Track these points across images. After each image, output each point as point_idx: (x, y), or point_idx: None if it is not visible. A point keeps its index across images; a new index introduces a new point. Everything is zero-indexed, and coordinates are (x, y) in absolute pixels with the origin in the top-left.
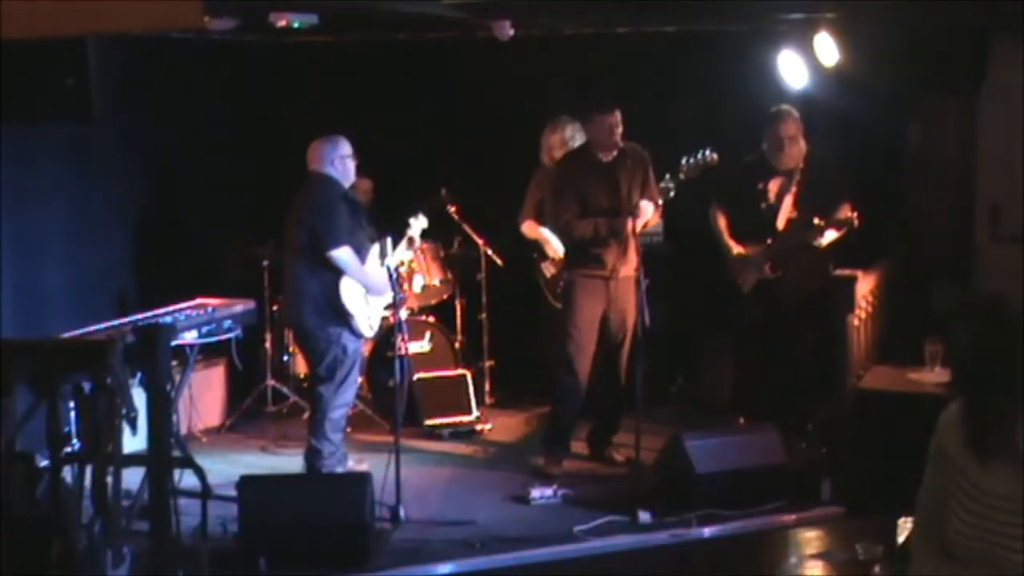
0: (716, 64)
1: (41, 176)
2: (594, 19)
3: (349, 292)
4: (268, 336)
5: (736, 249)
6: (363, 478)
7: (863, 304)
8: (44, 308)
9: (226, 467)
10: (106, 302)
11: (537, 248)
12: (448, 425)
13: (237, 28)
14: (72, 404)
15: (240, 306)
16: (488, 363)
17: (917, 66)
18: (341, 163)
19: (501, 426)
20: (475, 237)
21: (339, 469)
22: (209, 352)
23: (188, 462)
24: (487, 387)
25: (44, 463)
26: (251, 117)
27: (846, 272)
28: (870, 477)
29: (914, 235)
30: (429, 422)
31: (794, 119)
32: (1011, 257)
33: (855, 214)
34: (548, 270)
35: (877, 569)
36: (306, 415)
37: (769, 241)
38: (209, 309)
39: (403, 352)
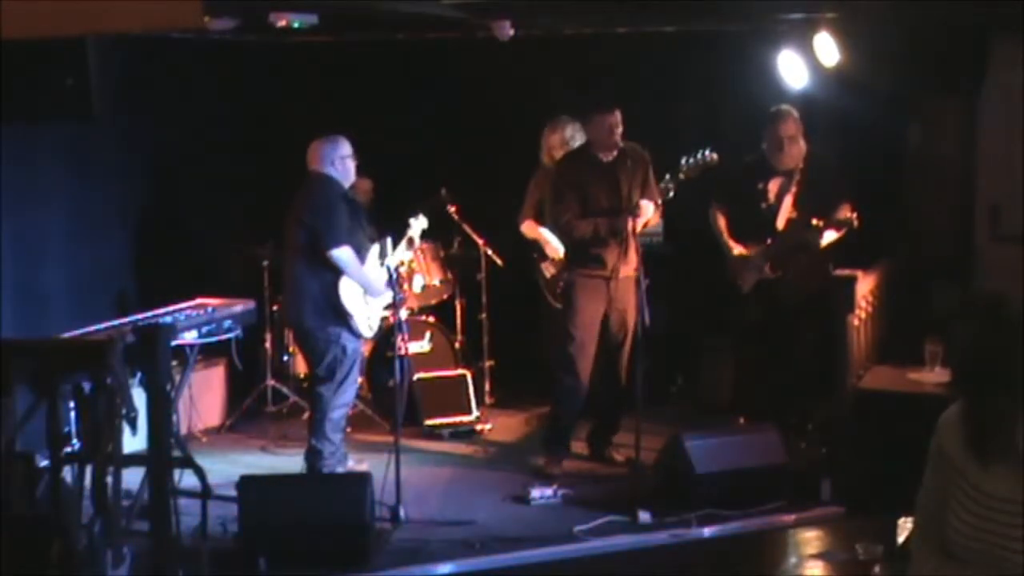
0: (716, 64)
1: (41, 176)
2: (594, 19)
3: (348, 292)
4: (268, 336)
5: (736, 249)
6: (363, 478)
7: (863, 304)
8: (44, 308)
9: (226, 467)
10: (106, 302)
11: (537, 248)
12: (448, 425)
13: (237, 28)
14: (72, 404)
15: (240, 306)
16: (488, 363)
17: (917, 66)
18: (341, 163)
19: (501, 426)
20: (475, 237)
21: (339, 469)
22: (209, 352)
23: (188, 462)
24: (487, 387)
25: (44, 463)
26: (251, 117)
27: (846, 272)
28: (870, 477)
29: (914, 235)
30: (429, 422)
31: (794, 119)
32: (1011, 257)
33: (855, 214)
34: (548, 270)
35: (877, 569)
36: (306, 415)
37: (769, 241)
38: (209, 309)
39: (403, 352)
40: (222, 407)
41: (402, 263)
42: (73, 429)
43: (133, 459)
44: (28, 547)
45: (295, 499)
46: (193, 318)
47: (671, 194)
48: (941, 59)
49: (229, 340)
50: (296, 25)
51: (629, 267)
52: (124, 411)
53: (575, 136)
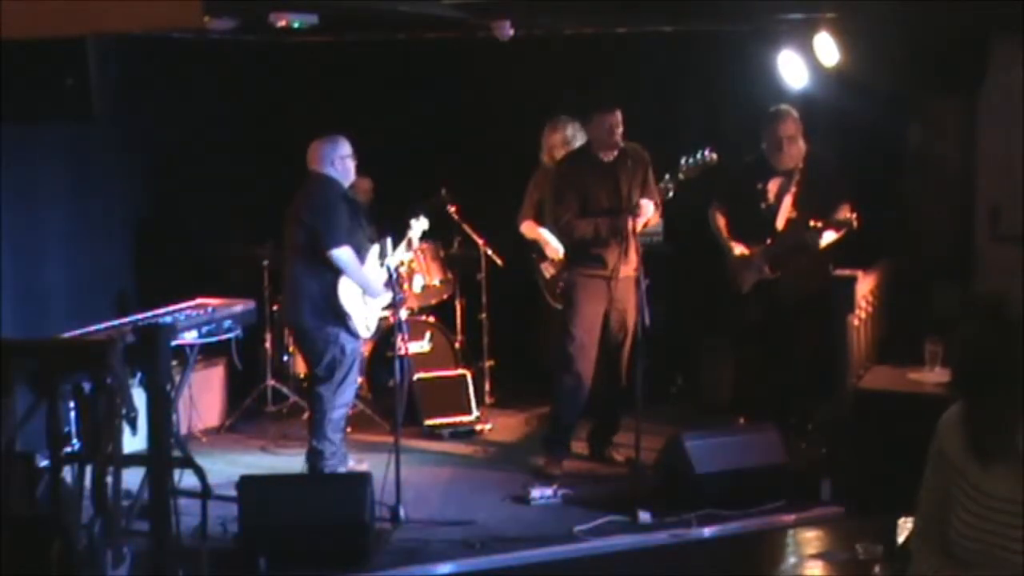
0: (716, 64)
1: (41, 176)
2: (594, 19)
3: (347, 292)
4: (268, 336)
5: (736, 249)
6: (363, 478)
7: (863, 304)
8: (44, 308)
9: (226, 467)
10: (106, 302)
11: (536, 248)
12: (448, 425)
13: (237, 28)
14: (72, 404)
15: (240, 306)
16: (488, 363)
17: (917, 66)
18: (341, 163)
19: (501, 426)
20: (475, 237)
21: (340, 469)
22: (209, 352)
23: (188, 462)
24: (487, 387)
25: (44, 463)
26: (251, 117)
27: (846, 272)
28: (870, 477)
29: (914, 235)
30: (429, 422)
31: (793, 119)
32: (1011, 257)
33: (854, 215)
34: (547, 271)
35: (877, 569)
36: (306, 415)
37: (768, 241)
38: (209, 309)
39: (403, 352)
40: (222, 407)
41: (402, 263)
42: (73, 429)
43: (133, 459)
44: (28, 547)
45: (295, 499)
46: (193, 318)
47: (670, 194)
48: (941, 59)
49: (229, 340)
50: (296, 25)
51: (629, 267)
52: (124, 411)
53: (576, 136)
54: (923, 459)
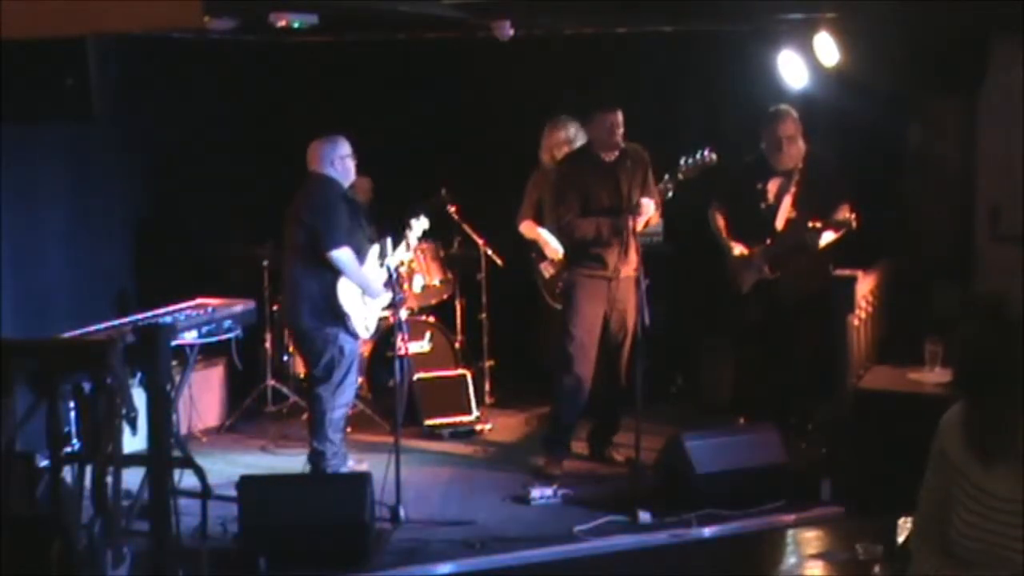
0: (716, 64)
1: (41, 176)
2: (594, 19)
3: (346, 293)
4: (268, 336)
5: (736, 249)
6: (363, 478)
7: (863, 304)
8: (44, 308)
9: (226, 467)
10: (106, 302)
11: (536, 249)
12: (448, 425)
13: (237, 28)
14: (72, 404)
15: (240, 306)
16: (488, 363)
17: (917, 66)
18: (341, 163)
19: (501, 426)
20: (475, 237)
21: (341, 469)
22: (209, 352)
23: (188, 462)
24: (487, 387)
25: (44, 463)
26: (251, 117)
27: (846, 272)
28: (870, 477)
29: (914, 235)
30: (429, 422)
31: (793, 119)
32: (1011, 257)
33: (854, 215)
34: (547, 271)
35: (877, 569)
36: (305, 416)
37: (768, 241)
38: (209, 309)
39: (403, 352)
40: (222, 407)
41: (402, 263)
42: (73, 429)
43: (133, 459)
44: (28, 547)
45: (295, 499)
46: (193, 318)
47: (670, 194)
48: (941, 59)
49: (229, 340)
50: (296, 25)
51: (630, 267)
52: (124, 411)
53: (576, 136)
54: (923, 459)
